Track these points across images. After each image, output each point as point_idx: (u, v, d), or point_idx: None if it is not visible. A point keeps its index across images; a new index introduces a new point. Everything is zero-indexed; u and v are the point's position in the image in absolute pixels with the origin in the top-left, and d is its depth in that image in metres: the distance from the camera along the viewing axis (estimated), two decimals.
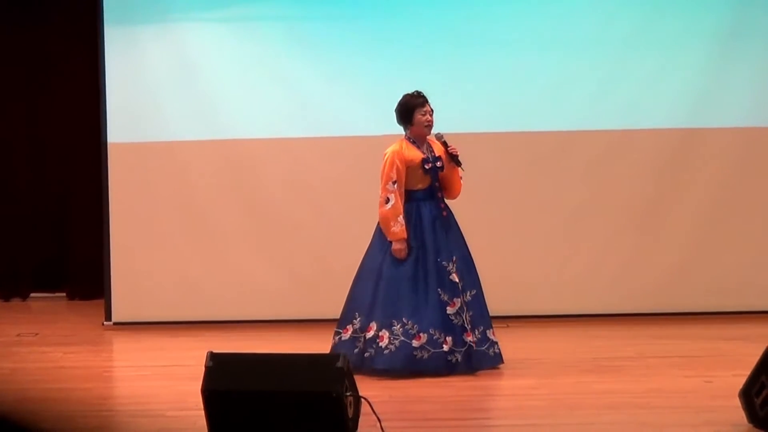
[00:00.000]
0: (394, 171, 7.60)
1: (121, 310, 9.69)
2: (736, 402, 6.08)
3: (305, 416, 5.72)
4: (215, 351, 5.94)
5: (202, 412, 5.82)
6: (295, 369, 5.89)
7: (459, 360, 7.44)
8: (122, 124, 9.66)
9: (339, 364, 5.74)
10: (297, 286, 9.65)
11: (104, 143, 9.70)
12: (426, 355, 7.40)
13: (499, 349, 7.62)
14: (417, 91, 7.73)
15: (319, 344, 7.85)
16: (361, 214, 9.48)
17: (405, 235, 7.52)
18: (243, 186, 9.72)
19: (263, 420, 5.77)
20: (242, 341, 8.67)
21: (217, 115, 9.68)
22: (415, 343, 7.42)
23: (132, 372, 8.15)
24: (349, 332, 7.61)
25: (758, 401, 5.89)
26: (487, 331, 7.58)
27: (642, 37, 9.62)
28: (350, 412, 5.77)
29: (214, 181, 9.71)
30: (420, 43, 9.62)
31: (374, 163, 9.35)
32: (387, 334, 7.46)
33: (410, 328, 7.44)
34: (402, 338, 7.44)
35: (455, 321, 7.48)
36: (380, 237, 7.72)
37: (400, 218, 7.54)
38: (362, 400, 5.91)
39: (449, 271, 7.55)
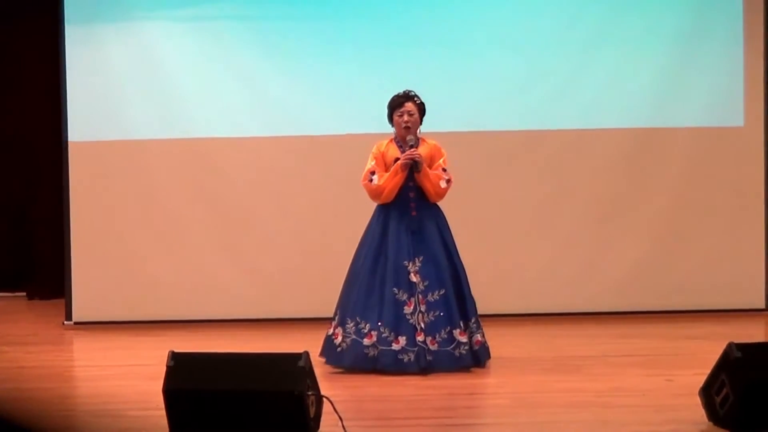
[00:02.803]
0: (373, 164, 7.68)
1: (81, 310, 9.64)
2: (697, 400, 6.12)
3: (267, 415, 5.70)
4: (177, 350, 5.92)
5: (164, 412, 5.79)
6: (257, 368, 5.87)
7: (411, 359, 7.44)
8: (83, 123, 9.62)
9: (301, 363, 5.73)
10: (260, 285, 9.63)
11: (65, 142, 9.66)
12: (376, 353, 7.46)
13: (466, 350, 7.53)
14: (404, 91, 7.77)
15: (282, 343, 7.85)
16: (324, 214, 9.50)
17: (395, 168, 7.56)
18: (205, 185, 9.69)
19: (225, 419, 5.75)
20: (204, 341, 8.65)
21: (179, 113, 9.66)
22: (366, 341, 7.49)
23: (93, 372, 8.10)
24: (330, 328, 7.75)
25: (718, 399, 5.93)
26: (455, 332, 7.53)
27: (602, 38, 9.68)
28: (312, 411, 5.76)
29: (177, 180, 9.68)
30: (383, 43, 9.63)
31: (338, 162, 9.41)
32: (341, 331, 7.58)
33: (362, 327, 7.52)
34: (353, 336, 7.53)
35: (411, 321, 7.50)
36: (364, 236, 7.76)
37: (379, 177, 7.59)
38: (324, 399, 5.90)
39: (409, 270, 7.56)
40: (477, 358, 7.62)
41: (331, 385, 6.52)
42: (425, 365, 7.42)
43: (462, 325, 7.58)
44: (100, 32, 9.63)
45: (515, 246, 9.72)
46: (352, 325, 7.54)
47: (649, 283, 9.70)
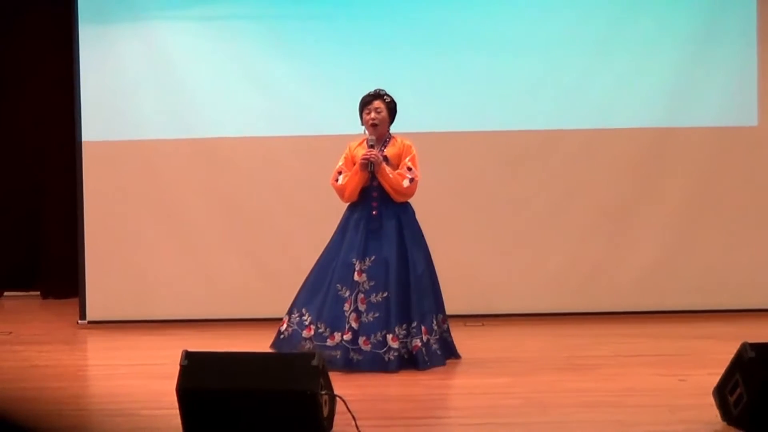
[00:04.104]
0: (341, 165, 7.84)
1: (95, 309, 9.66)
2: (710, 400, 6.11)
3: (280, 415, 5.71)
4: (190, 350, 5.93)
5: (177, 411, 5.80)
6: (270, 367, 5.88)
7: (338, 357, 7.49)
8: (97, 122, 9.64)
9: (314, 362, 5.74)
10: (271, 284, 9.63)
11: (79, 142, 9.68)
12: (311, 347, 7.54)
13: (395, 356, 7.47)
14: (375, 90, 7.83)
15: None
16: (336, 213, 9.48)
17: (355, 169, 7.68)
18: (218, 185, 9.71)
19: (238, 419, 5.75)
20: (217, 340, 8.66)
21: (192, 113, 9.67)
22: (305, 333, 7.62)
23: (106, 371, 8.12)
24: None
25: (732, 399, 5.92)
26: (388, 336, 7.51)
27: (616, 38, 9.66)
28: (325, 410, 5.77)
29: (189, 180, 9.70)
30: (395, 43, 9.62)
31: None
32: (287, 320, 7.75)
33: (305, 319, 7.65)
34: (294, 327, 7.68)
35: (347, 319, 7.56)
36: (336, 230, 7.86)
37: (344, 177, 7.76)
38: (337, 398, 5.91)
39: (355, 269, 7.60)
40: (413, 362, 7.55)
41: (344, 385, 6.52)
42: (351, 364, 7.47)
43: (397, 330, 7.54)
44: (114, 32, 9.65)
45: (527, 246, 9.71)
46: (296, 315, 7.70)
47: (662, 282, 9.69)
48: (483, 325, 9.09)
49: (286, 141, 9.69)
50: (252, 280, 9.67)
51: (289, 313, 7.78)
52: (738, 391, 5.88)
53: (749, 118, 9.70)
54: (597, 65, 9.67)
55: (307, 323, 7.64)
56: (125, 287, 9.66)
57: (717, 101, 9.67)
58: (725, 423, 5.98)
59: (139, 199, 9.70)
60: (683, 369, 7.41)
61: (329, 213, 9.50)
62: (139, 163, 9.69)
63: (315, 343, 7.55)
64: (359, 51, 9.63)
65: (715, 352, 7.57)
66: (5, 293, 11.19)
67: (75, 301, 9.91)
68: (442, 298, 7.84)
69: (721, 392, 6.03)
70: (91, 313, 9.67)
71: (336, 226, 8.67)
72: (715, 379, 6.10)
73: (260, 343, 8.34)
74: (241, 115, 9.68)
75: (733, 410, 5.91)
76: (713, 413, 6.06)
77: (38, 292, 11.20)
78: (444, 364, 7.68)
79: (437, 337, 7.68)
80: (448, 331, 7.85)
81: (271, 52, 9.69)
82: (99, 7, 9.63)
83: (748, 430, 5.83)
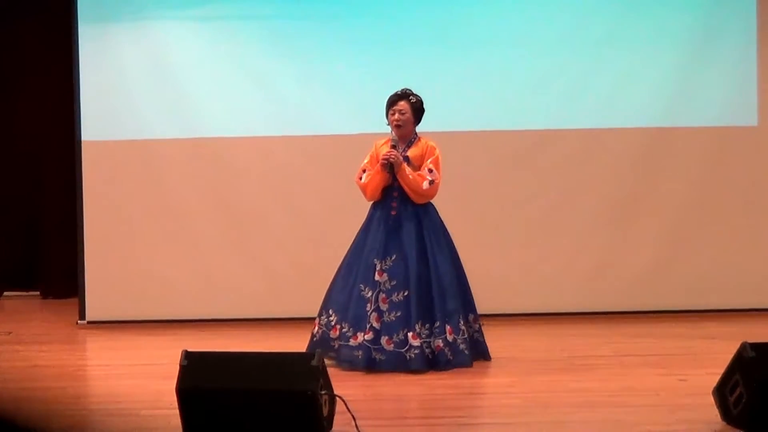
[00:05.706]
0: (366, 163, 7.83)
1: (95, 309, 9.66)
2: (710, 400, 6.11)
3: (280, 415, 5.71)
4: (190, 350, 5.93)
5: (177, 411, 5.80)
6: (270, 367, 5.88)
7: (361, 356, 7.51)
8: (96, 121, 9.63)
9: (314, 362, 5.74)
10: (272, 285, 9.64)
11: (78, 141, 9.67)
12: (337, 346, 7.59)
13: (416, 354, 7.45)
14: (402, 89, 7.84)
15: (294, 343, 7.86)
16: (336, 213, 9.50)
17: (378, 169, 7.68)
18: (218, 184, 9.70)
19: (238, 419, 5.75)
20: (217, 340, 8.66)
21: (192, 113, 9.66)
22: (332, 333, 7.67)
23: (106, 371, 8.12)
24: None
25: (732, 399, 5.92)
26: (409, 334, 7.51)
27: (616, 37, 9.65)
28: (325, 410, 5.77)
29: (190, 180, 9.69)
30: (397, 42, 9.62)
31: (350, 161, 9.38)
32: (317, 322, 7.80)
33: (332, 320, 7.69)
34: (324, 329, 7.71)
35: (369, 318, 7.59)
36: (360, 230, 7.84)
37: (367, 176, 7.76)
38: (337, 398, 5.91)
39: (376, 269, 7.62)
40: (433, 363, 7.54)
41: (344, 385, 6.51)
42: (373, 364, 7.48)
43: (418, 328, 7.53)
44: (113, 31, 9.64)
45: (528, 245, 9.71)
46: (324, 316, 7.75)
47: (662, 282, 9.69)
48: (483, 324, 9.07)
49: (286, 141, 9.69)
50: (251, 280, 9.66)
51: (319, 315, 7.82)
52: (738, 390, 5.88)
53: (749, 118, 9.70)
54: (597, 65, 9.67)
55: (333, 324, 7.68)
56: (125, 287, 9.66)
57: (717, 101, 9.67)
58: (725, 423, 5.98)
59: (139, 199, 9.70)
60: (683, 369, 7.42)
61: (329, 213, 9.54)
62: (139, 163, 9.69)
63: (341, 343, 7.58)
64: (359, 51, 9.63)
65: (715, 352, 7.58)
66: (5, 293, 11.19)
67: (75, 301, 9.90)
68: (471, 297, 7.85)
69: (721, 392, 6.03)
70: (91, 313, 9.66)
71: (336, 225, 8.74)
72: (715, 379, 6.10)
73: (260, 343, 8.36)
74: (241, 115, 9.68)
75: (733, 410, 5.91)
76: (713, 413, 6.06)
77: (38, 292, 11.20)
78: (470, 364, 7.62)
79: (465, 336, 7.66)
80: (480, 331, 7.85)
81: (271, 52, 9.69)
82: (99, 7, 9.62)
83: (748, 429, 5.83)
